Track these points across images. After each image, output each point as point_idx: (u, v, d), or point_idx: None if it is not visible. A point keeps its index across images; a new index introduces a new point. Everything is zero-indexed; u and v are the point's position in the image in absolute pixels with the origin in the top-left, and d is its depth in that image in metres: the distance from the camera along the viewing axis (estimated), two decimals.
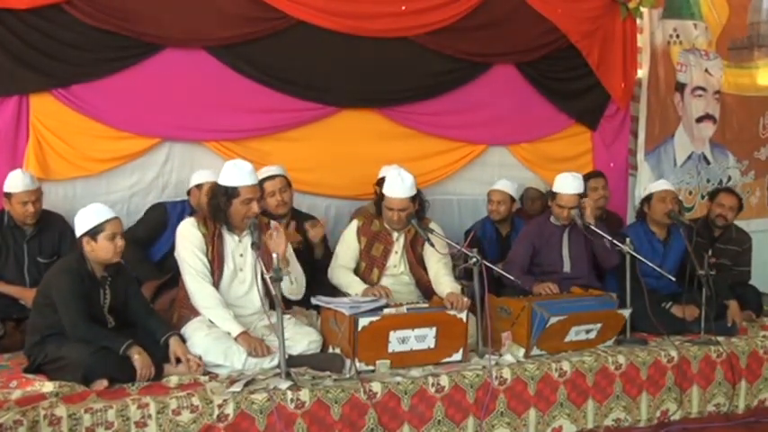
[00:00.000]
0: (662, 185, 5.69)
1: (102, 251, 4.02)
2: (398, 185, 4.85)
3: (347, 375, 4.25)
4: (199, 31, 5.24)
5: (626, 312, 5.02)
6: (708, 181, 6.76)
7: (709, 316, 5.30)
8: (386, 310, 4.49)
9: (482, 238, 5.77)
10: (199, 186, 5.05)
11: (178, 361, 4.11)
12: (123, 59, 5.12)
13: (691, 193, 6.70)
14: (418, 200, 4.97)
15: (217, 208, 4.38)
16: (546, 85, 6.23)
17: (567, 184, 5.24)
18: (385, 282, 4.99)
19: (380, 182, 5.34)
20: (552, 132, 6.32)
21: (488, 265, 4.81)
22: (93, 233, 3.99)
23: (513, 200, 5.82)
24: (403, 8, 5.66)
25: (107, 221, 4.02)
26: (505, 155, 6.23)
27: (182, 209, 5.12)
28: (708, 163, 6.93)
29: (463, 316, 4.63)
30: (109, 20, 4.95)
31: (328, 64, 5.57)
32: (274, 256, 4.29)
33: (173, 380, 4.03)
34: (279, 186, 5.14)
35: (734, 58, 7.01)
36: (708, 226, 6.10)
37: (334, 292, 4.92)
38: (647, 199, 5.67)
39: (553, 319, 4.54)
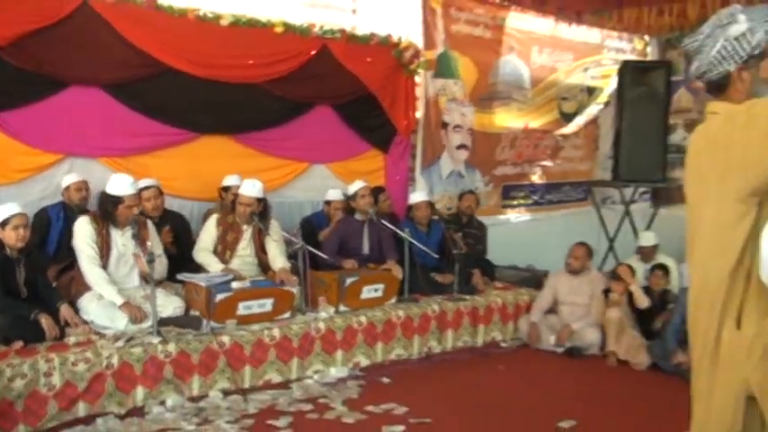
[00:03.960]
0: (418, 198, 5.94)
1: (8, 238, 3.93)
2: (250, 187, 4.93)
3: (204, 331, 4.28)
4: (96, 73, 5.05)
5: (399, 274, 5.27)
6: (462, 190, 6.91)
7: (460, 281, 5.60)
8: (234, 284, 4.54)
9: (317, 226, 5.81)
10: (67, 188, 4.95)
11: (66, 324, 4.04)
12: (39, 93, 4.89)
13: (450, 198, 6.91)
14: (263, 203, 5.03)
15: (105, 211, 4.34)
16: (353, 121, 6.31)
17: None
18: (235, 261, 5.01)
19: (225, 188, 5.45)
20: (357, 154, 6.41)
21: (310, 249, 4.96)
22: (3, 224, 3.91)
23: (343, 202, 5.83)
24: (250, 62, 5.63)
25: (13, 216, 3.94)
26: (324, 170, 6.29)
27: (59, 207, 4.92)
28: (462, 177, 7.16)
29: (293, 289, 4.74)
30: (29, 62, 4.74)
31: (193, 100, 5.47)
32: (149, 244, 4.27)
33: (72, 339, 3.95)
34: (153, 195, 5.08)
35: (480, 105, 7.23)
36: (459, 217, 6.39)
37: (198, 268, 4.90)
38: (410, 208, 5.94)
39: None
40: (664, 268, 5.70)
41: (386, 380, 4.67)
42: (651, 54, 8.74)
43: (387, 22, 6.38)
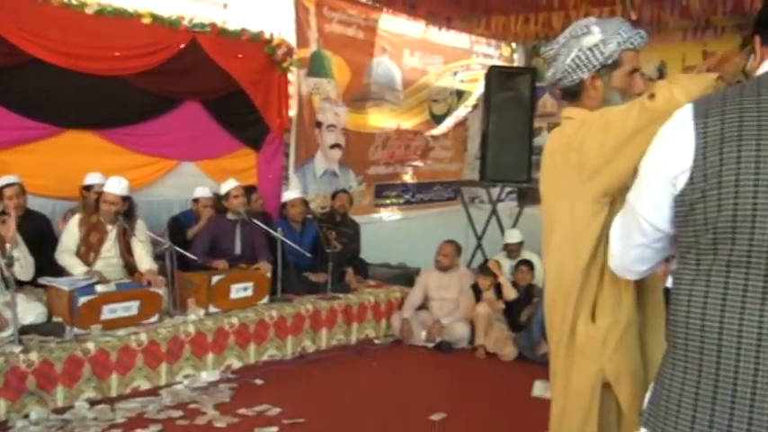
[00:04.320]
0: (292, 195, 5.96)
1: None
2: (115, 185, 4.73)
3: (67, 338, 4.07)
4: None
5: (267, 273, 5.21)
6: (336, 189, 6.93)
7: (333, 279, 5.64)
8: (98, 287, 4.34)
9: (186, 225, 5.65)
10: None
11: None
12: None
13: (324, 197, 6.90)
14: (129, 202, 4.83)
15: None
16: (224, 118, 6.16)
17: None
18: (99, 263, 4.76)
19: (86, 187, 5.16)
20: (228, 152, 6.26)
21: (178, 249, 4.82)
22: None
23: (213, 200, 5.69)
24: (116, 54, 5.38)
25: None
26: (194, 168, 6.09)
27: None
28: (336, 176, 7.18)
29: (160, 291, 4.60)
30: None
31: (56, 93, 5.15)
32: (8, 246, 3.99)
33: None
34: (15, 193, 4.72)
35: (354, 106, 7.29)
36: (333, 216, 6.40)
37: (61, 272, 4.62)
38: (284, 205, 5.91)
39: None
40: (529, 264, 6.03)
41: (259, 381, 4.63)
42: (518, 60, 9.18)
43: (259, 18, 6.30)
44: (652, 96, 1.65)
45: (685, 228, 1.34)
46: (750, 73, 1.73)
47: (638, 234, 1.48)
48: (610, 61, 1.87)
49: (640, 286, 1.79)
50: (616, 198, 1.75)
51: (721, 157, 1.26)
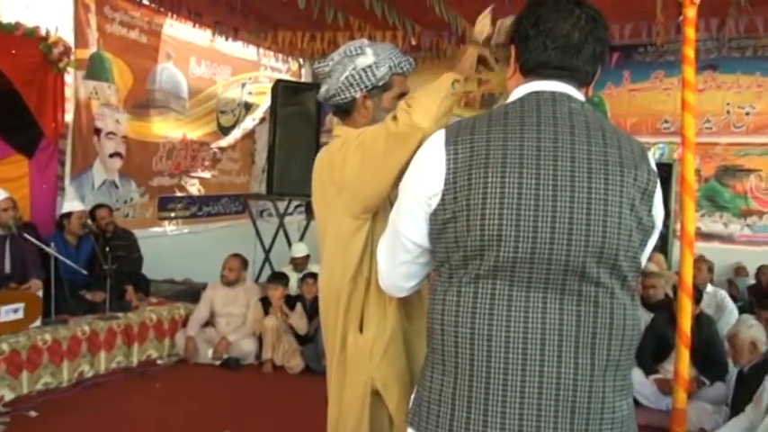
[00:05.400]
0: (73, 207, 5.63)
1: None
2: None
3: None
4: None
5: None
6: (116, 201, 6.71)
7: (112, 298, 5.40)
8: None
9: None
10: None
11: None
12: None
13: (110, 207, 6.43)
14: None
15: None
16: None
17: None
18: None
19: None
20: None
21: None
22: None
23: None
24: None
25: None
26: None
27: None
28: (117, 187, 6.84)
29: None
30: None
31: None
32: None
33: None
34: None
35: (136, 113, 7.00)
36: (104, 231, 5.89)
37: None
38: (67, 216, 5.56)
39: None
40: (315, 277, 6.25)
41: (33, 413, 4.34)
42: (305, 76, 9.43)
43: (36, 12, 5.86)
44: (395, 119, 1.78)
45: (439, 244, 1.45)
46: (492, 69, 1.96)
47: (402, 251, 1.56)
48: (381, 83, 1.98)
49: (408, 296, 1.83)
50: (379, 214, 1.87)
51: (470, 182, 1.37)
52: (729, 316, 5.59)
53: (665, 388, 4.66)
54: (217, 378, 5.41)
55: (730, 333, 4.44)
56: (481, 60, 1.96)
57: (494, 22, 1.91)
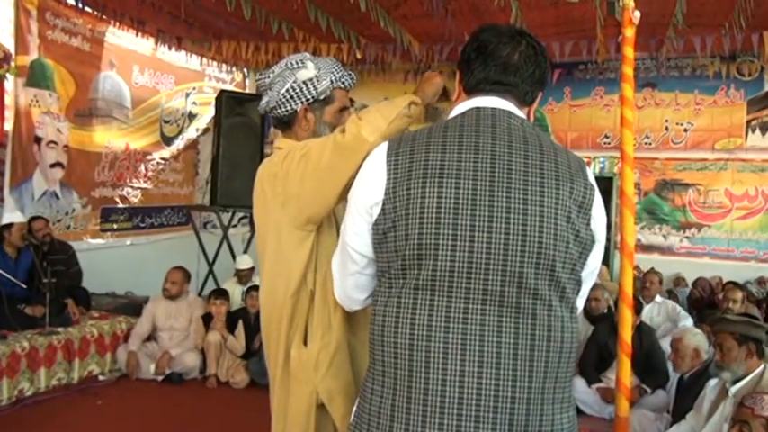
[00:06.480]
0: (15, 218, 5.53)
1: None
2: None
3: None
4: None
5: None
6: (57, 212, 6.60)
7: (52, 312, 5.29)
8: None
9: None
10: None
11: None
12: None
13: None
14: None
15: None
16: None
17: None
18: None
19: None
20: None
21: None
22: None
23: None
24: None
25: None
26: None
27: None
28: (58, 198, 6.71)
29: None
30: None
31: None
32: None
33: None
34: None
35: (78, 122, 6.91)
36: (41, 243, 5.71)
37: None
38: (7, 227, 5.45)
39: None
40: (258, 289, 6.27)
41: None
42: (249, 86, 9.42)
43: None
44: (343, 131, 1.80)
45: (380, 254, 1.49)
46: (450, 100, 2.02)
47: (350, 262, 1.59)
48: (322, 97, 2.00)
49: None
50: (323, 226, 1.90)
51: (409, 192, 1.41)
52: (686, 322, 5.78)
53: (608, 396, 4.81)
54: (160, 394, 5.37)
55: (675, 337, 4.57)
56: (444, 92, 2.03)
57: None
